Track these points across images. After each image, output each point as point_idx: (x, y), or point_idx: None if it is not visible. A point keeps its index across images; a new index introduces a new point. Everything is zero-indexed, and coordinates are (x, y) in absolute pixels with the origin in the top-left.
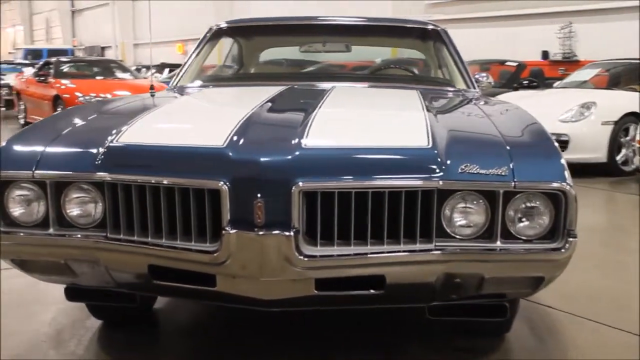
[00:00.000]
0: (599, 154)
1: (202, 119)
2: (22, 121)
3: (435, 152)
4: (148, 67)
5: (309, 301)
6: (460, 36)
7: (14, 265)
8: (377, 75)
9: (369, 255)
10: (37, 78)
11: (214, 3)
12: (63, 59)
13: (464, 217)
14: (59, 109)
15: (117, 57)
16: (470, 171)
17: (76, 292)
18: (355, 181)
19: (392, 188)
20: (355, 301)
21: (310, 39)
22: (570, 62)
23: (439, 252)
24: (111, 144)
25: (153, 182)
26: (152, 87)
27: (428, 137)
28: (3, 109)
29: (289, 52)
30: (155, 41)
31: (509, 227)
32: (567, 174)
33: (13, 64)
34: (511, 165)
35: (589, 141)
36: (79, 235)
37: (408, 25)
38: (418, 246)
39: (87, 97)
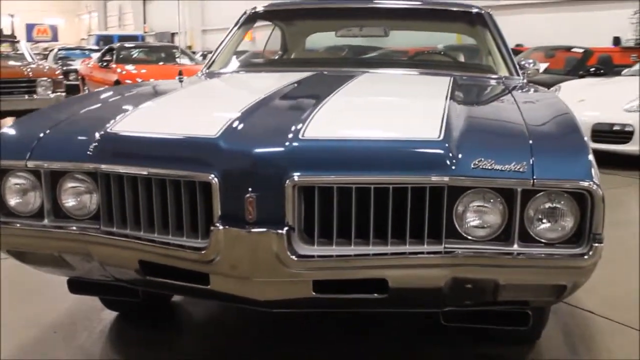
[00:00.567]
0: None
1: (208, 106)
2: None
3: (446, 145)
4: None
5: (307, 303)
6: (527, 22)
7: (11, 256)
8: (417, 62)
9: (370, 257)
10: (100, 63)
11: None
12: (127, 44)
13: (477, 217)
14: None
15: (185, 43)
16: (484, 167)
17: (79, 284)
18: (356, 176)
19: (396, 184)
20: (358, 305)
21: (349, 22)
22: None
23: (448, 255)
24: (104, 133)
25: (144, 173)
26: (180, 73)
27: (441, 128)
28: (63, 94)
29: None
30: (223, 27)
31: (528, 229)
32: (594, 171)
33: (83, 49)
34: (531, 161)
35: None
36: (74, 228)
37: (451, 9)
38: (425, 247)
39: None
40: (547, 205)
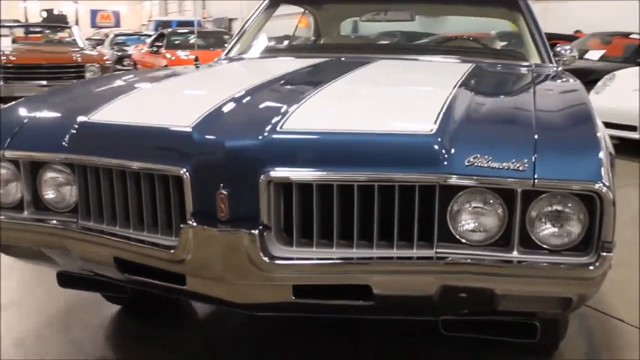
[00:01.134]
0: None
1: (197, 94)
2: None
3: (439, 139)
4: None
5: (289, 307)
6: (586, 8)
7: None
8: (444, 48)
9: (353, 262)
10: (151, 49)
11: None
12: (178, 30)
13: (474, 219)
14: None
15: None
16: (479, 164)
17: (68, 278)
18: (337, 172)
19: (381, 181)
20: (344, 311)
21: (382, 6)
22: None
23: (439, 261)
24: (80, 123)
25: (116, 164)
26: (196, 59)
27: (436, 120)
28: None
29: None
30: (280, 14)
31: (530, 234)
32: (604, 171)
33: (140, 35)
34: (533, 158)
35: None
36: (52, 221)
37: None
38: (415, 252)
39: None
40: (552, 208)
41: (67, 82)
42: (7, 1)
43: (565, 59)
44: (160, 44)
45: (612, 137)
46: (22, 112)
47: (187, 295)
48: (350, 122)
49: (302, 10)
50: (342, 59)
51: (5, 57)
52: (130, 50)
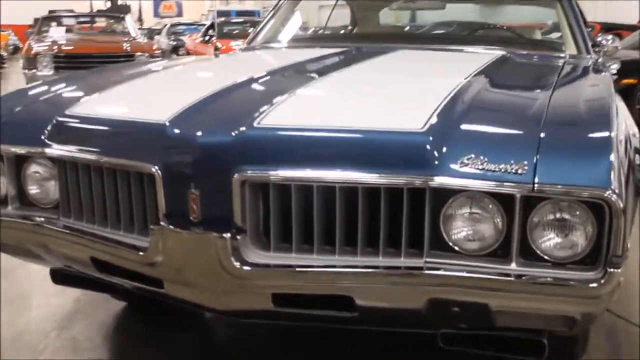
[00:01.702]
0: None
1: (189, 87)
2: None
3: (429, 138)
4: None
5: (271, 316)
6: None
7: None
8: (473, 37)
9: (335, 270)
10: (202, 38)
11: None
12: (232, 19)
13: (469, 226)
14: None
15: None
16: (473, 165)
17: (61, 275)
18: (318, 172)
19: (365, 184)
20: (329, 321)
21: None
22: None
23: (428, 272)
24: (62, 115)
25: (92, 160)
26: (216, 49)
27: (431, 116)
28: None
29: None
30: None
31: (532, 245)
32: (614, 176)
33: (198, 25)
34: (535, 159)
35: None
36: (37, 218)
37: None
38: (403, 261)
39: None
40: (556, 216)
41: None
42: None
43: (606, 49)
44: (213, 33)
45: None
46: (6, 104)
47: (167, 298)
48: (336, 118)
49: None
50: (362, 49)
51: (57, 47)
52: (186, 39)
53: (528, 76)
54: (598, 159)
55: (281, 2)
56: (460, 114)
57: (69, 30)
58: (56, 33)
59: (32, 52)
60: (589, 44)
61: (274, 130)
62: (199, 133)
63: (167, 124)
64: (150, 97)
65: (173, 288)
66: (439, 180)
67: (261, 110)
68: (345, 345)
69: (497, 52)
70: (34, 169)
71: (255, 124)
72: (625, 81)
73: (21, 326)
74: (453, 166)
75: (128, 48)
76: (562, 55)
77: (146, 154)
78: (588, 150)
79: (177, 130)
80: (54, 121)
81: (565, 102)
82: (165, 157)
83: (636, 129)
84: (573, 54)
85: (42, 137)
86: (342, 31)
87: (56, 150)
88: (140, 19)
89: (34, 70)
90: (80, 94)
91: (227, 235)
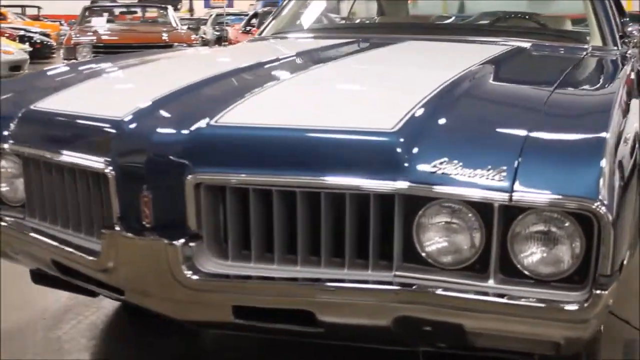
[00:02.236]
0: None
1: (163, 81)
2: None
3: (400, 139)
4: None
5: (234, 327)
6: None
7: None
8: (493, 28)
9: (296, 283)
10: (243, 29)
11: None
12: (272, 10)
13: (443, 237)
14: None
15: (347, 11)
16: (446, 170)
17: (40, 275)
18: (277, 175)
19: (328, 188)
20: (295, 335)
21: None
22: None
23: (396, 288)
24: (25, 110)
25: (51, 158)
26: (225, 39)
27: (406, 115)
28: None
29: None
30: None
31: (513, 260)
32: (603, 183)
33: (245, 15)
34: (515, 164)
35: None
36: (6, 217)
37: None
38: (370, 274)
39: None
40: (539, 228)
41: None
42: None
43: (635, 40)
44: (255, 23)
45: None
46: None
47: (130, 304)
48: (302, 116)
49: None
50: (370, 40)
51: (96, 37)
52: (230, 30)
53: (534, 71)
54: (586, 165)
55: None
56: (440, 113)
57: (110, 20)
58: (98, 23)
59: (72, 42)
60: (617, 35)
61: (231, 129)
62: (155, 131)
63: (123, 121)
64: (122, 92)
65: (132, 296)
66: (408, 186)
67: (222, 107)
68: (336, 350)
69: (514, 44)
70: (3, 164)
71: (212, 122)
72: None
73: (7, 322)
74: (424, 170)
75: (167, 38)
76: (585, 47)
77: (100, 152)
78: (576, 155)
79: (132, 127)
80: (19, 115)
81: (565, 100)
82: (119, 156)
83: None
84: (597, 46)
85: (6, 133)
86: (358, 21)
87: (20, 146)
88: (191, 9)
89: (73, 61)
90: (54, 87)
91: (179, 242)
